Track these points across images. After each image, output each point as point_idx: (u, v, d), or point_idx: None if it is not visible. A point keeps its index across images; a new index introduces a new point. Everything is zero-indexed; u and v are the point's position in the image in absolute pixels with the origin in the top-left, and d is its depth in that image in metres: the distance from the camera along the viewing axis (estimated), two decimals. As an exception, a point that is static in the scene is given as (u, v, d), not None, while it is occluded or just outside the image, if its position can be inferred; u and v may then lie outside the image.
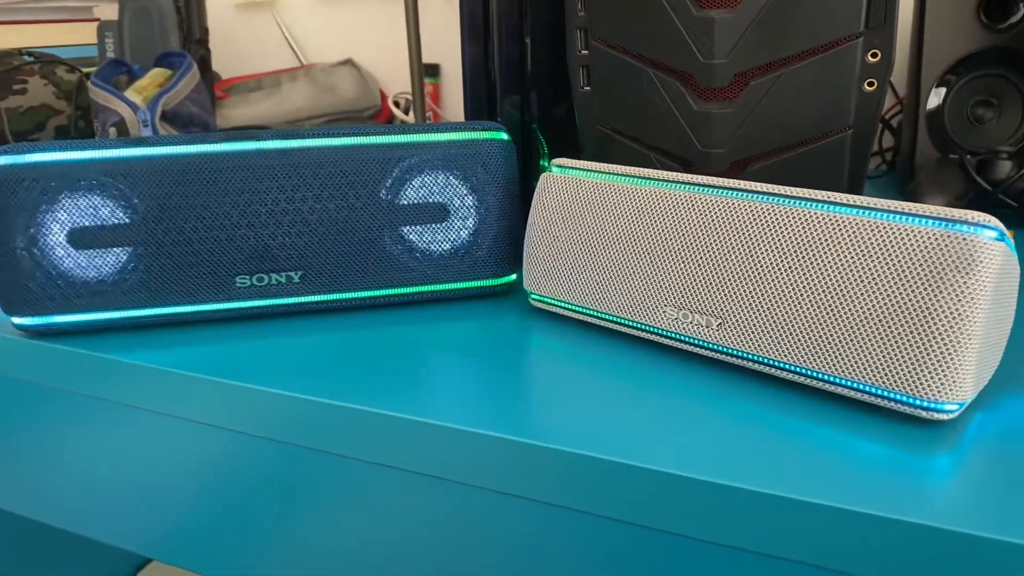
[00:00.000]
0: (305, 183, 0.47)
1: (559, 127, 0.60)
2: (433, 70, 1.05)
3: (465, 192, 0.49)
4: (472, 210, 0.50)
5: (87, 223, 0.45)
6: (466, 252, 0.50)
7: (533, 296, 0.49)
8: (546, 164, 0.63)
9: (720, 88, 0.45)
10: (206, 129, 0.75)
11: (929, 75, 0.70)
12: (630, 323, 0.44)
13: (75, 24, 1.00)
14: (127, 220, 0.46)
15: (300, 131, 0.48)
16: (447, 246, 0.50)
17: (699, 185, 0.41)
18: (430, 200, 0.49)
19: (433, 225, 0.49)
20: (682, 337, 0.42)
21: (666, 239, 0.41)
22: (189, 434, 0.46)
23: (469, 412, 0.38)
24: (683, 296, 0.41)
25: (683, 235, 0.41)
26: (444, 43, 1.07)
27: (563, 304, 0.47)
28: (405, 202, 0.49)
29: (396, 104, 1.05)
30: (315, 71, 1.05)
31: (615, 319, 0.45)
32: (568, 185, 0.46)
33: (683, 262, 0.41)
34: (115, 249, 0.46)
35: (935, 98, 0.69)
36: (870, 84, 0.44)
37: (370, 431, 0.39)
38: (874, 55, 0.43)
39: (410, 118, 1.02)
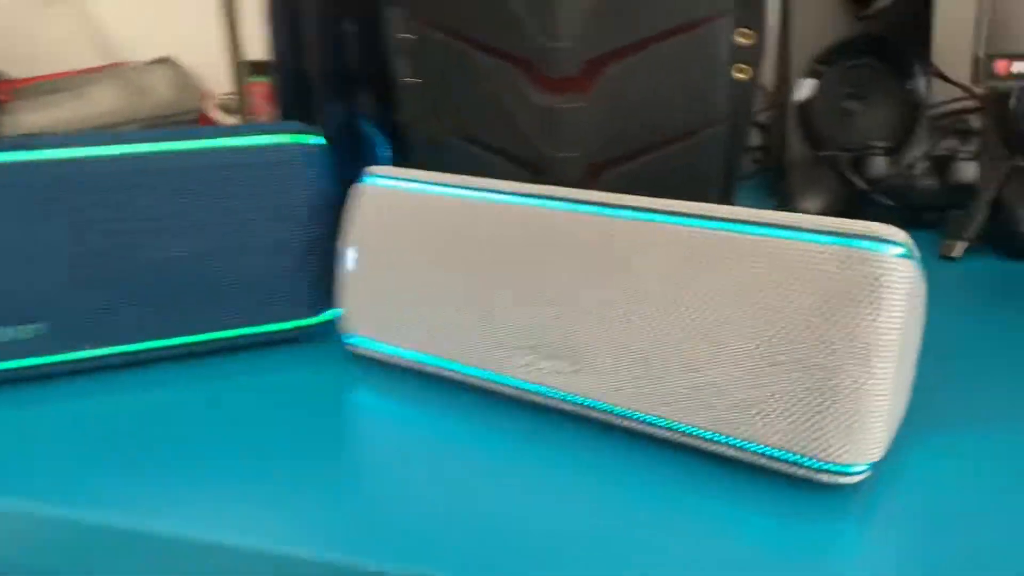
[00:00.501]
0: (52, 206, 0.36)
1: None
2: (262, 68, 0.93)
3: (267, 210, 0.39)
4: (274, 233, 0.40)
5: None
6: (265, 286, 0.40)
7: (350, 340, 0.39)
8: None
9: (569, 77, 0.37)
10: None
11: (797, 66, 0.65)
12: (471, 371, 0.35)
13: None
14: None
15: (41, 139, 0.37)
16: (238, 281, 0.39)
17: (544, 198, 0.33)
18: (218, 222, 0.39)
19: (221, 253, 0.39)
20: (533, 388, 0.33)
21: (507, 267, 0.33)
22: None
23: (258, 524, 0.28)
24: (531, 337, 0.32)
25: (528, 261, 0.32)
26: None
27: (388, 349, 0.38)
28: (185, 224, 0.38)
29: (224, 108, 0.93)
30: (125, 70, 0.92)
31: (452, 366, 0.36)
32: (386, 199, 0.37)
33: (530, 296, 0.32)
34: None
35: (805, 89, 0.63)
36: (741, 71, 0.37)
37: (132, 556, 0.29)
38: (744, 35, 0.37)
39: (234, 120, 0.90)
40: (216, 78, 0.97)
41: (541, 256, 0.32)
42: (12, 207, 0.36)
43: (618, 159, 0.39)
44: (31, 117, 0.83)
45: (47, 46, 1.02)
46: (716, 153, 0.39)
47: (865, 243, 0.27)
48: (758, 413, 0.28)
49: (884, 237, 0.27)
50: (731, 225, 0.29)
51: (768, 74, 0.71)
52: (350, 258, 0.38)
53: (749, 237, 0.28)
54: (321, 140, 0.41)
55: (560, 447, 0.32)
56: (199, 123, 0.91)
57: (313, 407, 0.36)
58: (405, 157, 0.46)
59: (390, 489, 0.29)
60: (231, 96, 0.88)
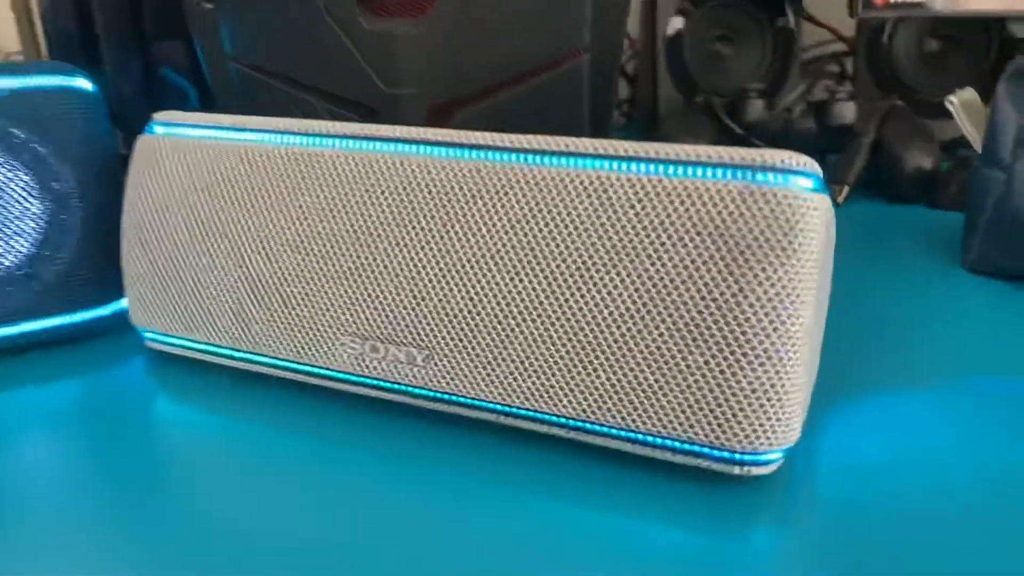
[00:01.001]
0: None
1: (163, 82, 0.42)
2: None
3: (22, 174, 0.30)
4: (33, 205, 0.31)
5: None
6: (30, 272, 0.31)
7: (148, 334, 0.31)
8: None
9: (401, -4, 0.30)
10: None
11: (664, 12, 0.60)
12: (291, 366, 0.28)
13: None
14: None
15: None
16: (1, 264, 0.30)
17: (375, 139, 0.26)
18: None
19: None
20: (372, 381, 0.26)
21: (334, 233, 0.26)
22: None
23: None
24: (368, 319, 0.25)
25: (360, 224, 0.25)
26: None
27: (189, 344, 0.30)
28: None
29: None
30: None
31: (269, 362, 0.28)
32: (176, 154, 0.29)
33: (366, 269, 0.25)
34: None
35: (674, 25, 0.58)
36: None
37: None
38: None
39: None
40: None
41: (378, 216, 0.25)
42: None
43: (468, 98, 0.33)
44: None
45: None
46: (582, 88, 0.33)
47: (770, 176, 0.21)
48: (654, 396, 0.22)
49: (792, 167, 0.21)
50: (599, 162, 0.23)
51: (634, 22, 0.66)
52: (131, 231, 0.30)
53: (619, 175, 0.22)
54: (88, 88, 0.32)
55: (408, 454, 0.25)
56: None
57: (100, 424, 0.28)
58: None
59: (202, 518, 0.22)
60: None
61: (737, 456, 0.22)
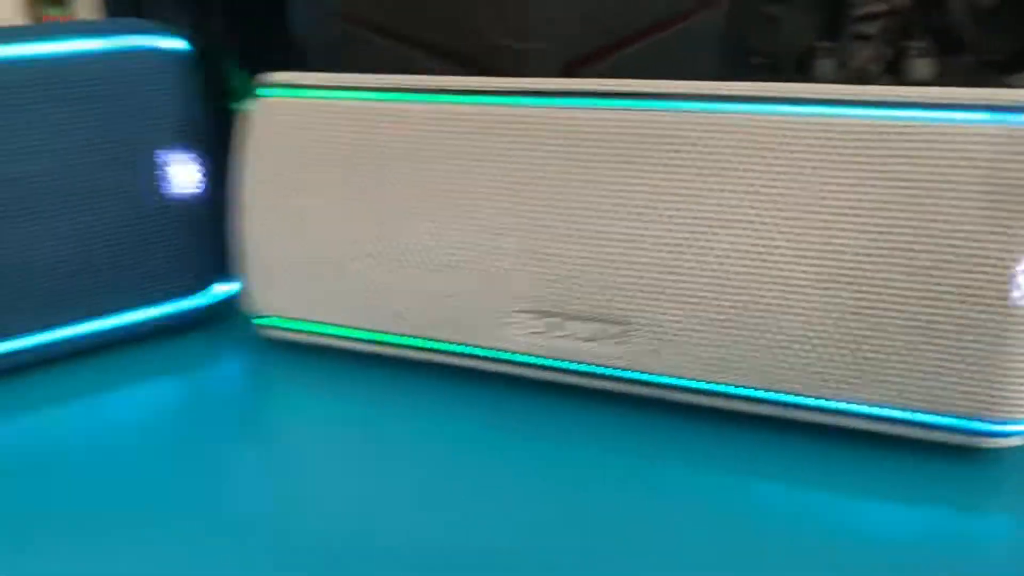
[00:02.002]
0: None
1: (249, 43, 0.38)
2: (62, -1, 0.76)
3: (116, 147, 0.27)
4: (131, 184, 0.27)
5: None
6: (130, 258, 0.28)
7: (262, 321, 0.28)
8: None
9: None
10: None
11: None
12: (445, 347, 0.25)
13: None
14: None
15: None
16: (91, 253, 0.27)
17: (547, 95, 0.23)
18: (44, 172, 0.26)
19: (62, 218, 0.26)
20: (548, 362, 0.24)
21: (498, 197, 0.23)
22: None
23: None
24: (544, 292, 0.23)
25: (529, 187, 0.23)
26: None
27: (316, 328, 0.27)
28: (15, 172, 0.25)
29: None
30: None
31: (415, 343, 0.26)
32: (297, 117, 0.26)
33: (536, 233, 0.23)
34: None
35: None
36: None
37: None
38: None
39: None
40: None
41: (548, 174, 0.23)
42: None
43: (596, 52, 0.30)
44: None
45: None
46: (712, 43, 0.31)
47: (1029, 116, 0.19)
48: (896, 365, 0.20)
49: (1050, 104, 0.19)
50: (838, 108, 0.20)
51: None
52: (248, 208, 0.27)
53: (868, 123, 0.20)
54: (185, 48, 0.29)
55: (610, 440, 0.23)
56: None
57: (220, 414, 0.25)
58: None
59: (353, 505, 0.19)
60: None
61: (979, 425, 0.20)
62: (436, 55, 0.30)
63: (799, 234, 0.20)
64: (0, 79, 0.26)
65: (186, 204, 0.28)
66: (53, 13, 0.77)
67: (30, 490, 0.22)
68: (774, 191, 0.20)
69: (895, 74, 0.48)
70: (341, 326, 0.26)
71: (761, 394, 0.22)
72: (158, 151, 0.28)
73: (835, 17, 0.58)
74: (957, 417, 0.20)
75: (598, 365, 0.23)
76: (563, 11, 0.29)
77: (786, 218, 0.20)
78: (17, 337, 0.27)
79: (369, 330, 0.26)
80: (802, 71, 0.51)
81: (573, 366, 0.23)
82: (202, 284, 0.30)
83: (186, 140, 0.28)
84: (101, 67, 0.27)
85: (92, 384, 0.27)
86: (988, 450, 0.21)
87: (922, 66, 0.48)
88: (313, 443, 0.24)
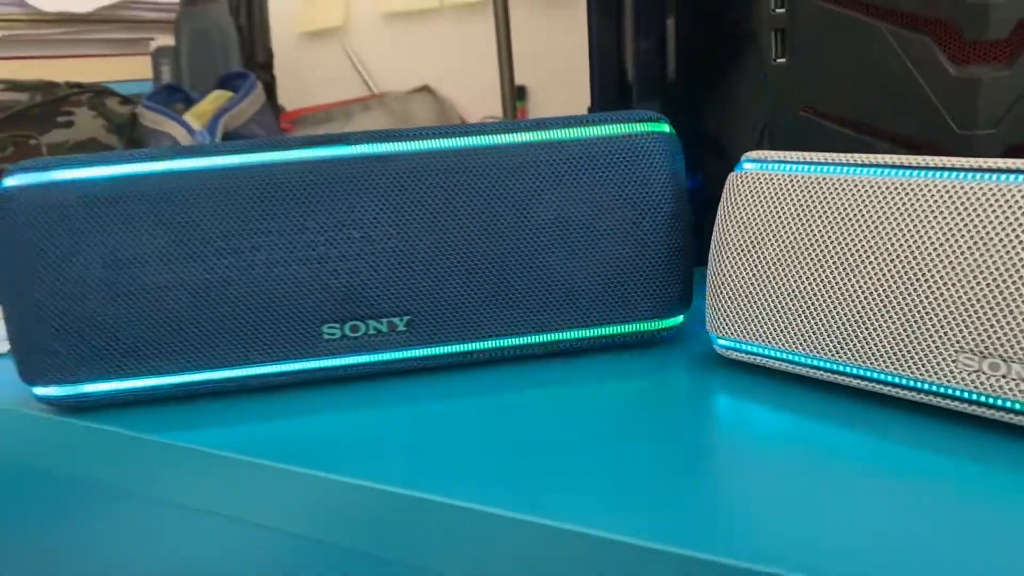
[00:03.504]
0: (413, 199, 0.35)
1: (699, 140, 0.47)
2: (520, 93, 0.94)
3: (624, 202, 0.37)
4: (631, 228, 0.37)
5: (132, 260, 0.34)
6: (625, 284, 0.37)
7: (721, 342, 0.36)
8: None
9: (993, 42, 0.32)
10: (274, 156, 0.65)
11: None
12: (886, 378, 0.30)
13: (130, 58, 0.92)
14: (183, 253, 0.34)
15: (403, 131, 0.37)
16: (597, 278, 0.37)
17: (996, 171, 0.28)
18: (576, 216, 0.36)
19: (579, 250, 0.37)
20: (987, 398, 0.28)
21: (946, 255, 0.28)
22: (255, 540, 0.33)
23: (630, 511, 0.25)
24: (987, 338, 0.27)
25: (973, 248, 0.27)
26: (528, 63, 0.96)
27: (768, 352, 0.34)
28: (541, 220, 0.36)
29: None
30: (389, 99, 0.96)
31: (857, 371, 0.31)
32: (773, 186, 0.33)
33: (985, 283, 0.27)
34: (168, 294, 0.34)
35: None
36: None
37: (491, 538, 0.26)
38: None
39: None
40: (467, 105, 0.99)
41: (1002, 243, 0.27)
42: (383, 200, 0.35)
43: (1042, 139, 0.33)
44: (308, 144, 0.88)
45: (311, 77, 1.09)
46: None
47: None
48: None
49: None
50: None
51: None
52: (720, 253, 0.35)
53: None
54: (672, 130, 0.38)
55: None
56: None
57: (678, 411, 0.33)
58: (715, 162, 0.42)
59: (782, 495, 0.25)
60: (492, 119, 0.89)
61: None
62: (892, 143, 0.36)
63: None
64: (532, 158, 0.36)
65: (670, 247, 0.37)
66: (519, 105, 0.95)
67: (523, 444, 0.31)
68: None
69: None
70: (794, 352, 0.33)
71: None
72: (655, 206, 0.37)
73: None
74: None
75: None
76: (1011, 104, 0.33)
77: None
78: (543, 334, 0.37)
79: (821, 357, 0.32)
80: None
81: (1005, 403, 0.27)
82: (672, 311, 0.38)
83: (674, 198, 0.37)
84: (618, 144, 0.37)
85: (572, 376, 0.36)
86: None
87: None
88: (763, 451, 0.30)
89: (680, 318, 0.38)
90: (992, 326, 0.27)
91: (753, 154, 0.35)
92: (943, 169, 0.29)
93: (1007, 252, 0.27)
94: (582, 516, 0.25)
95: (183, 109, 0.69)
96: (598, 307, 0.37)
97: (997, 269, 0.27)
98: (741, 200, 0.34)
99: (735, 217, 0.34)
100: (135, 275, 0.34)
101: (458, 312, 0.36)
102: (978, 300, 0.27)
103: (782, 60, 0.38)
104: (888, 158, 0.30)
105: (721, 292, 0.35)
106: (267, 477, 0.31)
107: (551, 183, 0.36)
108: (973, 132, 0.33)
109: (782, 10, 0.37)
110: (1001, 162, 0.28)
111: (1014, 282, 0.27)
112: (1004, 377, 0.27)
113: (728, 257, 0.35)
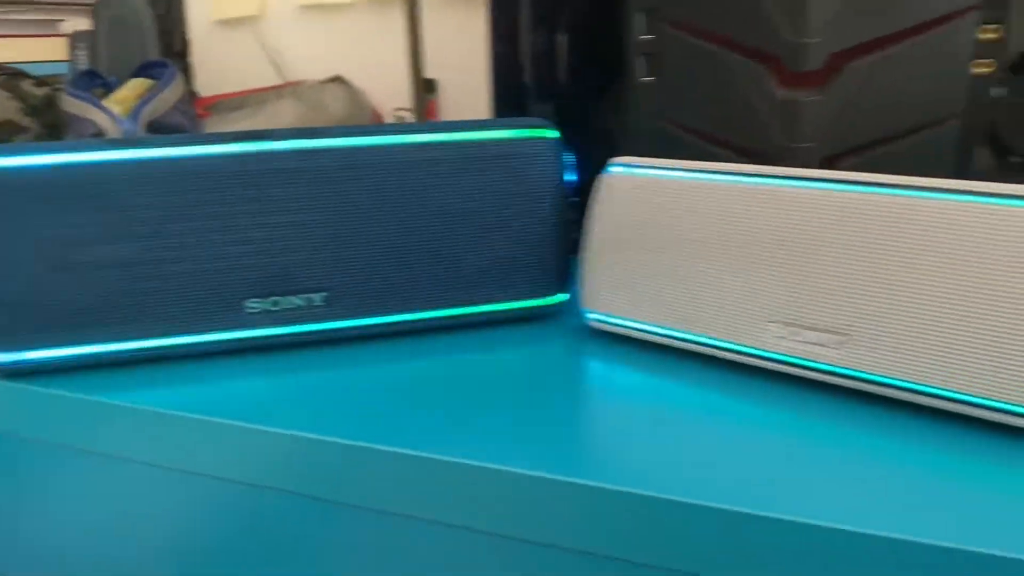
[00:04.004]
0: (328, 189, 0.40)
1: (588, 137, 0.53)
2: (429, 86, 0.99)
3: (512, 198, 0.43)
4: (521, 219, 0.43)
5: (70, 241, 0.38)
6: (514, 267, 0.43)
7: (592, 315, 0.42)
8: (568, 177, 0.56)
9: (810, 72, 0.39)
10: (194, 143, 0.68)
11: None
12: (718, 343, 0.37)
13: (42, 39, 0.93)
14: (121, 235, 0.38)
15: (322, 129, 0.41)
16: (491, 261, 0.43)
17: (803, 179, 0.35)
18: (472, 208, 0.42)
19: (475, 237, 0.42)
20: (790, 359, 0.35)
21: (764, 244, 0.35)
22: (191, 488, 0.38)
23: (523, 452, 0.31)
24: (790, 310, 0.35)
25: (786, 238, 0.35)
26: (439, 57, 1.01)
27: (630, 324, 0.40)
28: (439, 210, 0.42)
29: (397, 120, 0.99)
30: (303, 89, 0.99)
31: (697, 339, 0.38)
32: (634, 186, 0.40)
33: (789, 270, 0.35)
34: (105, 270, 0.39)
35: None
36: (981, 65, 0.39)
37: (407, 476, 0.32)
38: (988, 31, 0.38)
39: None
40: (380, 96, 1.04)
41: (802, 234, 0.34)
42: (303, 190, 0.40)
43: (852, 151, 0.41)
44: (223, 131, 0.91)
45: (224, 64, 1.11)
46: (948, 147, 0.41)
47: None
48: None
49: None
50: (989, 199, 0.30)
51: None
52: (591, 241, 0.41)
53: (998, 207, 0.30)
54: (558, 134, 0.44)
55: (819, 416, 0.34)
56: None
57: (561, 369, 0.39)
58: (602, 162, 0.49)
59: (639, 431, 0.32)
60: (401, 112, 0.94)
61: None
62: (734, 151, 0.43)
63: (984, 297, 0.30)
64: (434, 155, 0.42)
65: (551, 237, 0.43)
66: (427, 97, 1.00)
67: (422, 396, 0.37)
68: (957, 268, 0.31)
69: None
70: (654, 323, 0.39)
71: (931, 389, 0.31)
72: (538, 201, 0.43)
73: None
74: None
75: (826, 363, 0.34)
76: (827, 122, 0.40)
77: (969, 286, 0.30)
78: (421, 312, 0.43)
79: (671, 327, 0.39)
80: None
81: (811, 364, 0.35)
82: (550, 291, 0.44)
83: (555, 195, 0.43)
84: (510, 147, 0.43)
85: (471, 345, 0.42)
86: None
87: None
88: (624, 399, 0.37)
89: (561, 296, 0.45)
90: (792, 301, 0.34)
91: (619, 159, 0.41)
92: (766, 176, 0.36)
93: (808, 244, 0.34)
94: (481, 454, 0.31)
95: (102, 94, 0.71)
96: (489, 287, 0.43)
97: (798, 257, 0.34)
98: (608, 198, 0.41)
99: (603, 212, 0.41)
100: (73, 254, 0.38)
101: (368, 289, 0.42)
102: (784, 281, 0.35)
103: (648, 79, 0.44)
104: (726, 166, 0.37)
105: (591, 274, 0.41)
106: (199, 430, 0.35)
107: (449, 178, 0.42)
108: (797, 145, 0.41)
109: (649, 37, 0.44)
110: (809, 172, 0.35)
111: (810, 266, 0.34)
112: (800, 341, 0.34)
113: (597, 245, 0.41)
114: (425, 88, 0.99)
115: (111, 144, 0.39)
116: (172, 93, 0.65)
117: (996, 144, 0.65)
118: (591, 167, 0.53)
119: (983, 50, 0.39)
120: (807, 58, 0.39)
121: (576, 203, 0.44)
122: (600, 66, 0.52)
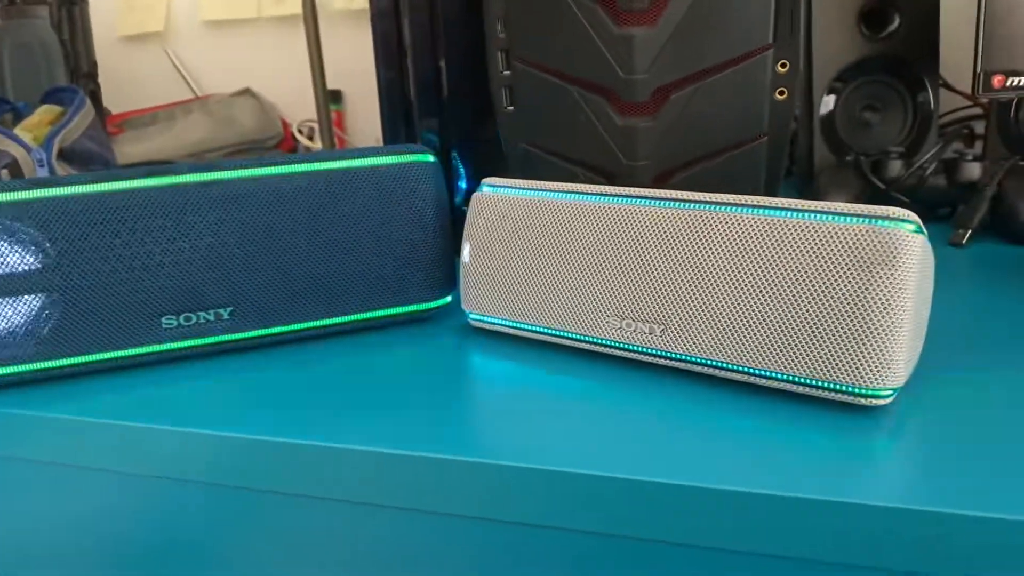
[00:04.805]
0: (230, 216, 0.46)
1: (479, 148, 0.60)
2: (335, 96, 1.03)
3: (396, 216, 0.49)
4: (405, 234, 0.49)
5: (-6, 271, 0.42)
6: (401, 277, 0.49)
7: (472, 316, 0.49)
8: (463, 185, 0.63)
9: (642, 103, 0.47)
10: (107, 166, 0.72)
11: (819, 84, 0.74)
12: (572, 336, 0.44)
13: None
14: (38, 265, 0.43)
15: (220, 163, 0.47)
16: (380, 272, 0.49)
17: (630, 197, 0.42)
18: (360, 227, 0.48)
19: (365, 252, 0.48)
20: (626, 346, 0.42)
21: (602, 251, 0.42)
22: (123, 488, 0.43)
23: (420, 436, 0.38)
24: (624, 305, 0.42)
25: (618, 246, 0.42)
26: (345, 69, 1.06)
27: (503, 322, 0.47)
28: (335, 231, 0.48)
29: (300, 132, 1.03)
30: (211, 103, 1.02)
31: (557, 333, 0.45)
32: (500, 203, 0.46)
33: (621, 273, 0.42)
34: (26, 297, 0.43)
35: (826, 105, 0.73)
36: (781, 93, 0.47)
37: (312, 465, 0.38)
38: (783, 65, 0.46)
39: (316, 145, 1.00)
40: (288, 107, 1.08)
41: (630, 242, 0.41)
42: (206, 216, 0.45)
43: (681, 167, 0.49)
44: (135, 147, 0.94)
45: (134, 81, 1.13)
46: (761, 161, 0.48)
47: (887, 222, 0.36)
48: (808, 353, 0.37)
49: (901, 217, 0.36)
50: (782, 211, 0.38)
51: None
52: (468, 251, 0.48)
53: (797, 220, 0.37)
54: (435, 160, 0.51)
55: (646, 391, 0.41)
56: (280, 148, 1.01)
57: (445, 363, 0.46)
58: (493, 171, 0.55)
59: (510, 412, 0.38)
60: (309, 123, 0.99)
61: (862, 390, 0.36)
62: (585, 169, 0.50)
63: (756, 284, 0.38)
64: (323, 182, 0.48)
65: (434, 248, 0.50)
66: (333, 108, 1.04)
67: (320, 399, 0.43)
68: (724, 256, 0.38)
69: (949, 173, 0.62)
70: (522, 322, 0.46)
71: (730, 366, 0.39)
72: (418, 220, 0.49)
73: (920, 124, 0.72)
74: (842, 384, 0.36)
75: (651, 348, 0.41)
76: (657, 145, 0.48)
77: (749, 275, 0.38)
78: (330, 319, 0.49)
79: (533, 324, 0.45)
80: (877, 167, 0.66)
81: (638, 348, 0.42)
82: (435, 295, 0.51)
83: (435, 213, 0.50)
84: (395, 171, 0.49)
85: (366, 346, 0.48)
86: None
87: (971, 168, 0.62)
88: (498, 385, 0.43)
89: (443, 300, 0.51)
90: (625, 298, 0.41)
91: (489, 180, 0.48)
92: (601, 195, 0.43)
93: (636, 250, 0.41)
94: (375, 440, 0.37)
95: (11, 121, 0.74)
96: (380, 294, 0.49)
97: (628, 262, 0.41)
98: (480, 213, 0.47)
99: (476, 226, 0.47)
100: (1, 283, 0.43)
101: (271, 302, 0.47)
102: (619, 282, 0.42)
103: (510, 108, 0.51)
104: (572, 186, 0.44)
105: (468, 280, 0.48)
106: (126, 435, 0.41)
107: (340, 201, 0.48)
108: (635, 163, 0.48)
109: (508, 72, 0.50)
110: (635, 191, 0.42)
111: (635, 270, 0.41)
112: (633, 331, 0.42)
113: (472, 254, 0.47)
114: (332, 98, 1.04)
115: (25, 184, 0.43)
116: (82, 120, 0.69)
117: (833, 144, 0.74)
118: (486, 174, 0.59)
119: (781, 80, 0.47)
120: (637, 92, 0.46)
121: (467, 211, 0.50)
122: (479, 92, 0.58)
